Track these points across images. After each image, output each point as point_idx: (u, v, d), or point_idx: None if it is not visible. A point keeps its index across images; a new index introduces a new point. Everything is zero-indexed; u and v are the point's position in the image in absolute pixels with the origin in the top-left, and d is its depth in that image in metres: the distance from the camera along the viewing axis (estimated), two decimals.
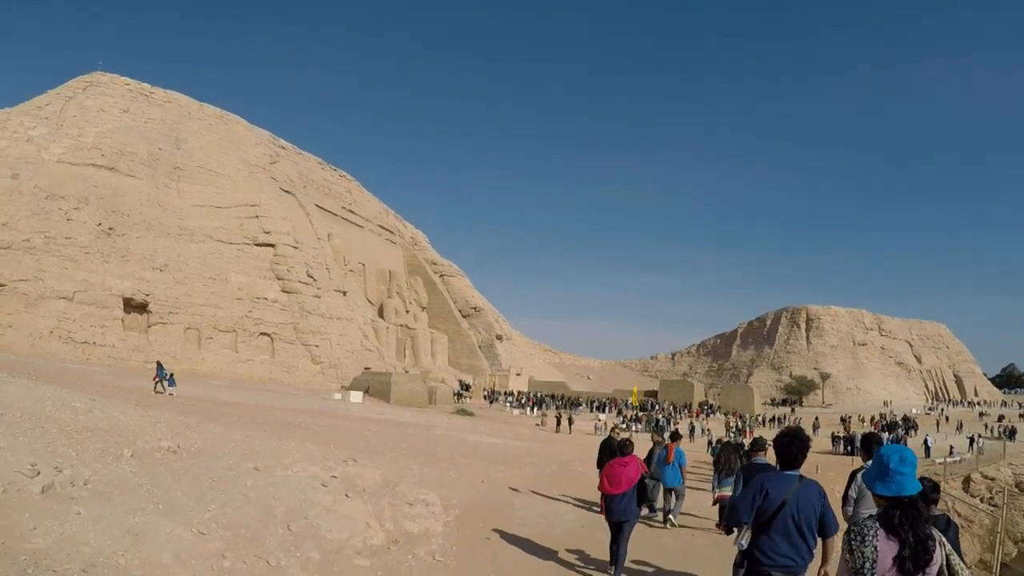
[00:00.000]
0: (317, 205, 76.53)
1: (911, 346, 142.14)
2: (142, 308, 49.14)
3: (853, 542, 3.47)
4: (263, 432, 17.11)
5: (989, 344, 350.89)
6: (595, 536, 11.53)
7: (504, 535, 11.24)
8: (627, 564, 9.52)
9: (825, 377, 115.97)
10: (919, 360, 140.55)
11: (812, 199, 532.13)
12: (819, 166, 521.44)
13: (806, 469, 5.35)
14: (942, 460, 35.70)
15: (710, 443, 38.04)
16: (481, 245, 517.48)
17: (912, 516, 3.44)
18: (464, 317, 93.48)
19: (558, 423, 46.99)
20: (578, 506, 15.07)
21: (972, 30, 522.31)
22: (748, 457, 11.62)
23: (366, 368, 58.71)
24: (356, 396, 45.17)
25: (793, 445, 5.07)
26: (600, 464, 14.20)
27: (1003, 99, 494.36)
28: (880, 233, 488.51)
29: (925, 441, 43.50)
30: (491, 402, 68.65)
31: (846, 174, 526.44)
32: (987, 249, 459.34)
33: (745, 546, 5.10)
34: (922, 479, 4.98)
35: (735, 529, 5.21)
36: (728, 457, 13.99)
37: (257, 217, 61.46)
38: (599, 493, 14.59)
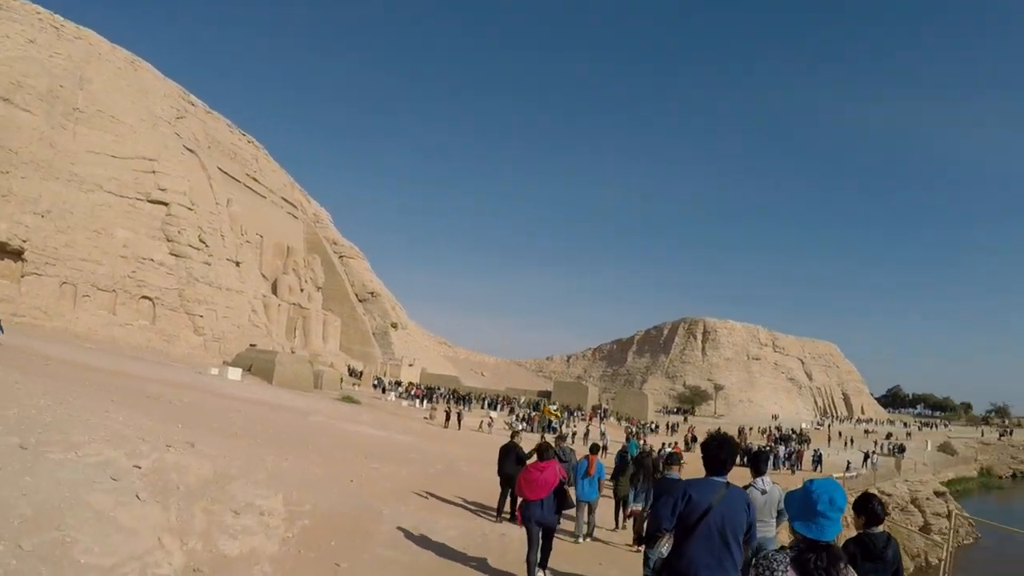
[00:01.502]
0: (220, 168, 72.92)
1: (803, 363, 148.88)
2: (17, 255, 45.97)
3: None
4: (104, 402, 14.46)
5: (876, 366, 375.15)
6: (481, 561, 9.80)
7: (361, 560, 8.98)
8: None
9: (718, 388, 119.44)
10: (810, 377, 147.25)
11: (713, 214, 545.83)
12: (727, 182, 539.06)
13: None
14: (840, 475, 36.94)
15: (604, 448, 38.50)
16: (384, 228, 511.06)
17: (828, 560, 3.19)
18: (360, 302, 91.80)
19: (447, 418, 45.67)
20: (464, 512, 13.55)
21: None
22: (662, 471, 11.26)
23: (251, 345, 56.99)
24: (235, 373, 43.65)
25: (723, 450, 4.87)
26: (500, 470, 13.53)
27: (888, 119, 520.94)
28: (777, 253, 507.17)
29: (817, 454, 45.14)
30: (383, 391, 67.15)
31: (755, 192, 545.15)
32: (877, 276, 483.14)
33: (666, 555, 4.80)
34: (869, 496, 4.95)
35: (656, 540, 4.84)
36: (643, 469, 14.12)
37: (154, 172, 58.25)
38: (491, 497, 14.47)
